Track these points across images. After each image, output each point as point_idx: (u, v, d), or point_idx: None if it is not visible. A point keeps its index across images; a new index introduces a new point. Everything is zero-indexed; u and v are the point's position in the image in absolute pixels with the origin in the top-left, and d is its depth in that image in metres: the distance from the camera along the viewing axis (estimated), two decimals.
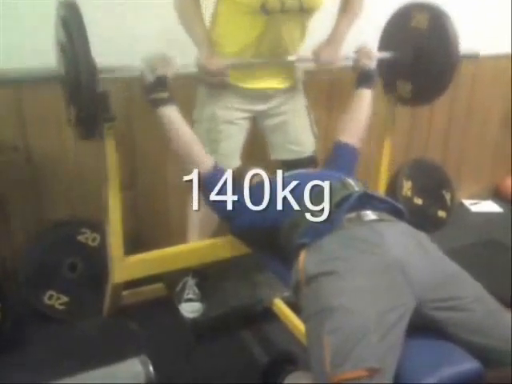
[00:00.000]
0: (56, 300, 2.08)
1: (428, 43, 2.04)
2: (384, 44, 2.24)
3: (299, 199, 1.47)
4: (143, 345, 1.92)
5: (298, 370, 1.63)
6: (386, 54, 2.13)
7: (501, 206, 3.36)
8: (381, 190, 2.47)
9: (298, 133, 2.05)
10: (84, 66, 1.44)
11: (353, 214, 1.40)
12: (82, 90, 1.45)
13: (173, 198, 2.37)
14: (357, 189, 1.49)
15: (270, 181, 1.66)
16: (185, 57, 1.98)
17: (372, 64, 1.96)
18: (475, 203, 3.38)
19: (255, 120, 2.03)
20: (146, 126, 2.18)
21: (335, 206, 1.41)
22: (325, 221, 1.39)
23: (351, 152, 1.85)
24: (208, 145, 1.87)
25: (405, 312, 1.20)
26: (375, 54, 2.04)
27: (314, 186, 1.50)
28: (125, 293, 2.09)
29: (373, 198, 1.47)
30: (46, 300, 2.06)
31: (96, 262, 2.09)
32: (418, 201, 3.00)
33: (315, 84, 2.33)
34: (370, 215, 1.40)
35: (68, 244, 2.12)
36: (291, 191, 1.53)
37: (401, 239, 1.34)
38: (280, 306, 2.01)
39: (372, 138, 2.17)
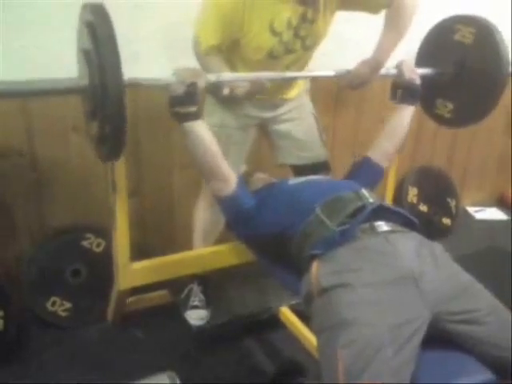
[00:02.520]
0: (59, 306, 2.05)
1: (474, 59, 1.89)
2: (422, 59, 2.07)
3: (312, 208, 1.44)
4: (148, 352, 1.91)
5: (306, 382, 1.61)
6: (427, 70, 1.95)
7: (505, 213, 3.35)
8: (388, 197, 2.46)
9: (306, 139, 2.04)
10: (114, 79, 1.29)
11: (366, 225, 1.38)
12: (111, 104, 1.31)
13: (178, 205, 2.36)
14: (371, 200, 1.47)
15: (280, 186, 1.64)
16: (177, 58, 1.99)
17: (417, 79, 1.82)
18: (479, 210, 3.37)
19: (262, 126, 2.02)
20: (152, 132, 2.19)
21: (349, 217, 1.39)
22: (338, 232, 1.36)
23: (379, 173, 1.81)
24: None
25: (420, 325, 1.19)
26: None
27: (327, 195, 1.47)
28: (129, 299, 2.06)
29: (386, 209, 1.46)
30: (49, 306, 2.04)
31: (100, 268, 2.07)
32: (424, 208, 2.99)
33: (322, 90, 2.32)
34: (383, 226, 1.38)
35: (72, 249, 2.10)
36: (303, 199, 1.51)
37: (415, 251, 1.32)
38: (287, 315, 1.99)
39: None
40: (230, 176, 1.60)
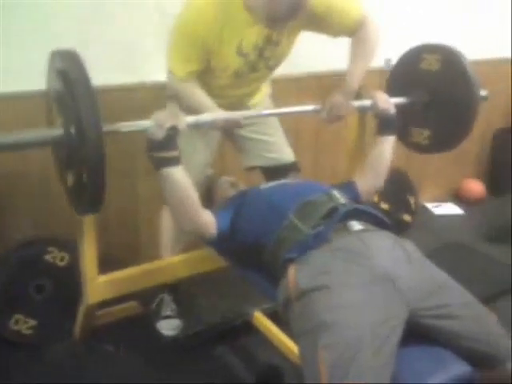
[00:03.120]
0: (23, 324, 1.97)
1: (444, 86, 1.89)
2: (393, 90, 2.06)
3: (285, 214, 1.44)
4: (120, 366, 1.86)
5: None
6: (400, 100, 1.95)
7: (461, 207, 3.46)
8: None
9: (272, 140, 2.04)
10: (93, 129, 1.21)
11: (339, 225, 1.40)
12: (89, 154, 1.23)
13: (143, 215, 2.31)
14: (342, 201, 1.50)
15: (252, 194, 1.63)
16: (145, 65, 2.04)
17: (392, 109, 1.80)
18: (437, 206, 3.47)
19: (226, 130, 2.00)
20: (114, 139, 2.13)
21: (322, 219, 1.41)
22: (312, 234, 1.37)
23: (357, 199, 1.76)
24: (183, 156, 1.84)
25: (398, 323, 1.21)
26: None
27: (299, 199, 1.48)
28: (97, 313, 2.00)
29: (358, 210, 1.48)
30: (12, 325, 1.95)
31: (65, 283, 2.00)
32: (385, 206, 3.04)
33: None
34: (356, 225, 1.41)
35: (34, 264, 2.01)
36: (276, 205, 1.51)
37: (388, 249, 1.35)
38: (260, 319, 1.98)
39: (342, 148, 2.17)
40: (208, 222, 1.52)
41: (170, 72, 1.76)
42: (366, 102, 1.84)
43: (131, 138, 2.12)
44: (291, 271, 1.32)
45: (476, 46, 3.17)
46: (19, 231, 2.04)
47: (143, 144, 2.18)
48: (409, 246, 1.40)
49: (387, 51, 2.63)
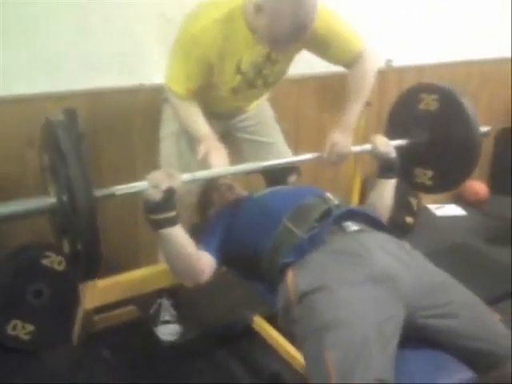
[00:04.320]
0: (21, 330, 1.94)
1: (444, 125, 1.88)
2: (393, 131, 2.03)
3: (279, 220, 1.44)
4: (118, 372, 1.84)
5: None
6: (401, 142, 1.92)
7: (464, 208, 3.43)
8: (353, 200, 2.48)
9: (272, 141, 2.03)
10: (83, 197, 1.18)
11: (335, 227, 1.41)
12: (81, 222, 1.20)
13: (142, 219, 2.27)
14: (336, 202, 1.51)
15: (245, 204, 1.62)
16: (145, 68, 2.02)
17: (393, 152, 1.77)
18: (439, 207, 3.45)
19: (224, 134, 1.99)
20: (113, 140, 2.13)
21: (317, 222, 1.42)
22: (308, 237, 1.37)
23: None
24: (178, 159, 1.87)
25: (398, 323, 1.21)
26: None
27: (292, 205, 1.48)
28: (96, 318, 1.98)
29: (353, 211, 1.49)
30: (9, 330, 1.92)
31: (63, 287, 1.98)
32: None
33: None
34: (351, 226, 1.42)
35: (32, 269, 1.98)
36: (270, 212, 1.51)
37: (385, 249, 1.35)
38: (260, 323, 1.95)
39: None
40: (204, 268, 1.51)
41: (169, 89, 1.73)
42: (367, 147, 1.81)
43: (129, 143, 2.15)
44: (289, 275, 1.31)
45: (476, 45, 3.18)
46: (16, 236, 2.01)
47: (140, 146, 2.18)
48: (405, 246, 1.41)
49: (387, 51, 2.64)
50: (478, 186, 3.55)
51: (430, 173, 1.97)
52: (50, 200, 1.31)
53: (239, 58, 1.66)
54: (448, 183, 2.00)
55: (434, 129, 1.90)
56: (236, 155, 2.05)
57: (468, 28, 3.19)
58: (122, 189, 1.39)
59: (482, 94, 3.32)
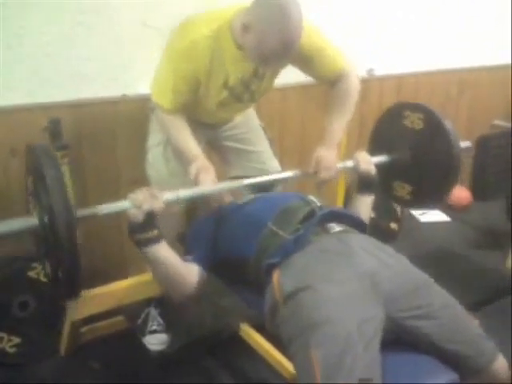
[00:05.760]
0: (7, 342, 1.93)
1: (426, 144, 1.89)
2: (375, 146, 2.05)
3: (264, 224, 1.46)
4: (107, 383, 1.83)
5: None
6: (383, 158, 1.94)
7: (448, 214, 3.47)
8: (338, 205, 2.50)
9: (257, 149, 2.05)
10: (63, 220, 1.18)
11: (318, 228, 1.44)
12: (61, 245, 1.20)
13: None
14: (319, 204, 1.54)
15: (230, 211, 1.63)
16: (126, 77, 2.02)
17: (373, 170, 1.81)
18: (423, 213, 3.48)
19: (210, 141, 2.01)
20: (96, 148, 2.14)
21: (300, 223, 1.44)
22: (292, 239, 1.39)
23: None
24: (165, 167, 1.88)
25: (378, 323, 1.23)
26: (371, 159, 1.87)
27: (276, 208, 1.50)
28: (83, 329, 1.97)
29: (336, 213, 1.52)
30: None
31: (49, 299, 1.96)
32: (372, 214, 3.04)
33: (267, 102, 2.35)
34: (335, 227, 1.45)
35: (17, 281, 1.98)
36: (254, 218, 1.52)
37: (368, 249, 1.38)
38: (247, 331, 1.96)
39: None
40: (193, 280, 1.49)
41: (156, 104, 1.73)
42: (349, 163, 1.83)
43: (113, 150, 2.15)
44: (275, 276, 1.33)
45: (475, 53, 3.23)
46: (1, 248, 1.99)
47: (124, 153, 2.18)
48: (387, 248, 1.43)
49: (368, 61, 2.67)
50: (461, 193, 3.59)
51: (408, 187, 2.00)
52: (33, 221, 1.31)
53: (226, 74, 1.68)
54: (426, 200, 2.03)
55: (416, 146, 1.93)
56: (222, 163, 2.08)
57: (449, 38, 3.27)
58: (104, 208, 1.39)
59: (463, 101, 3.38)
